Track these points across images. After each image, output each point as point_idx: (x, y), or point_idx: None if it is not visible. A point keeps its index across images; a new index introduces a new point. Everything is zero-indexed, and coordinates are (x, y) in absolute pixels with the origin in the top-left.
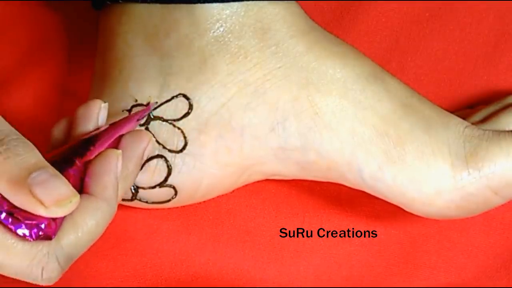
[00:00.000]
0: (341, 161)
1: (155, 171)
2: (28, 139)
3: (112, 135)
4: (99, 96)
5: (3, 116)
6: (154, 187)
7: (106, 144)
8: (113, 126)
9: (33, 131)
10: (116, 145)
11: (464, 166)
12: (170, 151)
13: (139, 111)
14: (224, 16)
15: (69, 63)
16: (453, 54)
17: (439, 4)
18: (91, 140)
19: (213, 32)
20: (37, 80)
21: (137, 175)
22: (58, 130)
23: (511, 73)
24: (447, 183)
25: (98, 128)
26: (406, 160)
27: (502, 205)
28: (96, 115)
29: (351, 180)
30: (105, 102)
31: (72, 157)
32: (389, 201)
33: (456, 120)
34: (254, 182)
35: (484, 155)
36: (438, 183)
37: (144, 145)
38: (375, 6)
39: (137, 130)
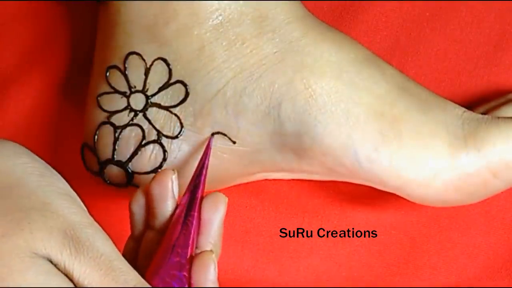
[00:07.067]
0: (336, 145)
1: (151, 157)
2: (28, 138)
3: (196, 205)
4: (99, 83)
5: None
6: (149, 172)
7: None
8: (195, 197)
9: (33, 131)
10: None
11: (462, 146)
12: (166, 137)
13: (202, 165)
14: (223, 5)
15: (70, 63)
16: (454, 54)
17: (440, 4)
18: (187, 229)
19: (212, 21)
20: (37, 80)
21: (220, 242)
22: (137, 207)
23: None
24: (444, 163)
25: (177, 204)
26: (402, 140)
27: (503, 206)
28: (171, 191)
29: (347, 164)
30: (174, 171)
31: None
32: (386, 188)
33: (454, 105)
34: (254, 182)
35: (483, 136)
36: (436, 163)
37: (222, 213)
38: (375, 6)
39: (214, 199)
